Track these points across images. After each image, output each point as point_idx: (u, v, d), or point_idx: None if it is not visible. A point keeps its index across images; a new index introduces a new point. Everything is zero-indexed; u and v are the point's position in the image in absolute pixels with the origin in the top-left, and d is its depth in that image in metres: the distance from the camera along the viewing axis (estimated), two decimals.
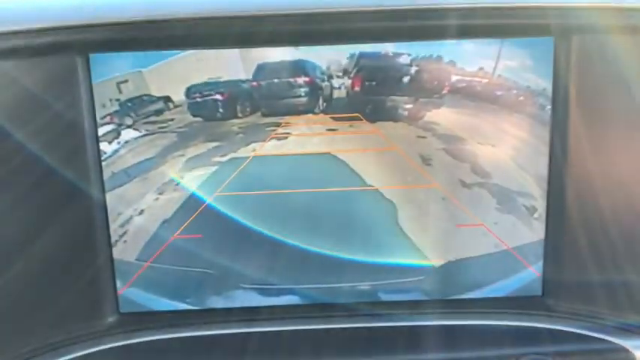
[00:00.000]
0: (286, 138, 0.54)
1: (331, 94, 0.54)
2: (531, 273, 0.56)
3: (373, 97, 0.54)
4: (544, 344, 0.52)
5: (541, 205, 0.55)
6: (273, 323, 0.55)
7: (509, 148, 0.54)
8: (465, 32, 0.51)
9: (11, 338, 0.53)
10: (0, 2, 0.50)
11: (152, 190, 0.55)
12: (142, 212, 0.55)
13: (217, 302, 0.57)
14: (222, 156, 0.54)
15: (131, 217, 0.55)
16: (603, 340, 0.52)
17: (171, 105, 0.54)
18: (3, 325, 0.53)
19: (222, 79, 0.53)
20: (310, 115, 0.54)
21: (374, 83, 0.54)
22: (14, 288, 0.53)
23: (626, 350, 0.51)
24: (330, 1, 0.49)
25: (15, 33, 0.48)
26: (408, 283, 0.57)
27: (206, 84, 0.53)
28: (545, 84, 0.53)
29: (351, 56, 0.53)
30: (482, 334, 0.54)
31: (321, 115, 0.54)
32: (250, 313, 0.56)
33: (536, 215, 0.55)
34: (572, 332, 0.53)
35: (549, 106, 0.53)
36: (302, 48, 0.52)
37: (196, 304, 0.57)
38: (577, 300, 0.55)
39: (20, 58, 0.49)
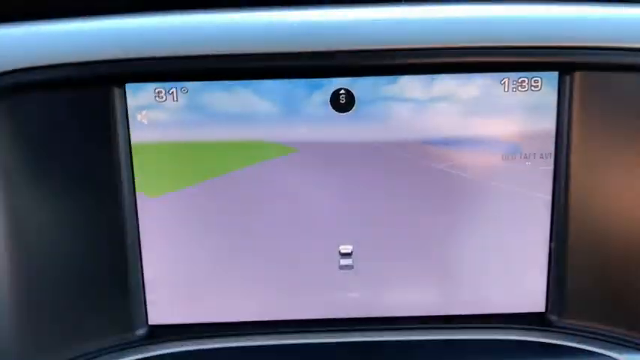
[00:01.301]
0: None
1: None
2: (535, 290, 0.61)
3: None
4: (544, 358, 0.56)
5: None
6: (302, 336, 0.58)
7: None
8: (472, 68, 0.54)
9: (44, 350, 0.56)
10: (37, 35, 0.52)
11: None
12: None
13: (246, 315, 0.61)
14: None
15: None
16: (602, 354, 0.56)
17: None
18: (37, 336, 0.56)
19: None
20: None
21: None
22: (50, 300, 0.56)
23: None
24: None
25: (54, 66, 0.51)
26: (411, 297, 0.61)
27: None
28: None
29: None
30: (484, 349, 0.58)
31: None
32: (277, 326, 0.60)
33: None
34: (572, 347, 0.57)
35: None
36: None
37: (225, 317, 0.61)
38: (578, 317, 0.59)
39: (58, 89, 0.52)
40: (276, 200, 0.59)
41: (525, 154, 0.58)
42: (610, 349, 0.57)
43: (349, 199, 0.59)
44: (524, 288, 0.60)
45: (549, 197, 0.58)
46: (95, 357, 0.57)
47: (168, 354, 0.57)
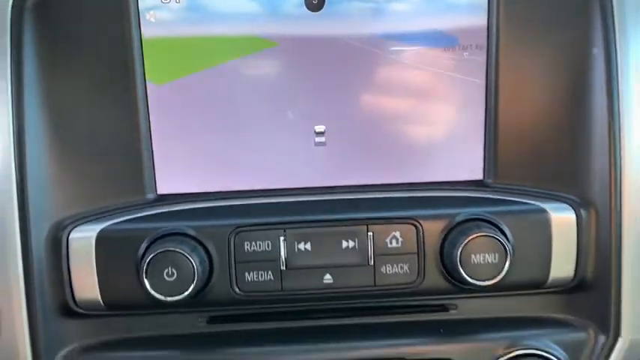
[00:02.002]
0: None
1: None
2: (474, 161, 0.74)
3: None
4: (479, 207, 0.69)
5: None
6: (284, 198, 0.71)
7: None
8: None
9: (72, 204, 0.69)
10: None
11: None
12: None
13: (240, 184, 0.73)
14: None
15: None
16: (527, 203, 0.70)
17: None
18: (67, 193, 0.68)
19: None
20: None
21: None
22: (80, 169, 0.69)
23: (544, 211, 0.69)
24: None
25: None
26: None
27: None
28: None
29: None
30: (434, 202, 0.70)
31: None
32: (267, 192, 0.72)
33: None
34: (503, 199, 0.70)
35: None
36: None
37: (222, 187, 0.73)
38: (511, 179, 0.72)
39: None
40: (262, 87, 0.72)
41: (463, 46, 0.72)
42: (538, 200, 0.70)
43: (322, 87, 0.72)
44: (465, 159, 0.74)
45: (483, 82, 0.72)
46: (113, 212, 0.69)
47: (175, 210, 0.70)
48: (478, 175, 0.74)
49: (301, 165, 0.74)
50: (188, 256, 0.64)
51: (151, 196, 0.72)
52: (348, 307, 0.73)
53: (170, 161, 0.73)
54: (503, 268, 0.66)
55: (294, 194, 0.72)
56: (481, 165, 0.74)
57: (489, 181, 0.73)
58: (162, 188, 0.73)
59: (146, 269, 0.64)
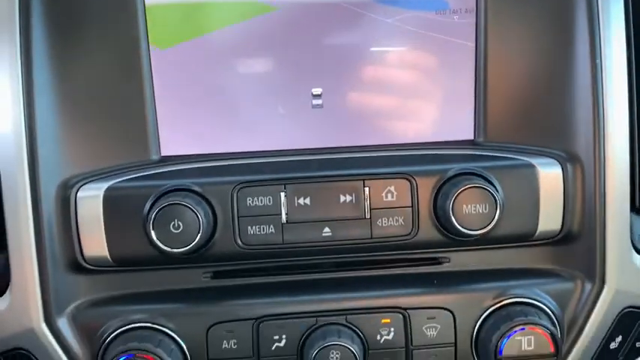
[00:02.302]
0: None
1: None
2: (465, 121, 0.77)
3: None
4: (470, 162, 0.72)
5: None
6: (283, 158, 0.74)
7: None
8: None
9: (79, 162, 0.71)
10: None
11: None
12: None
13: (240, 146, 0.76)
14: None
15: None
16: (515, 158, 0.73)
17: None
18: (76, 151, 0.71)
19: None
20: None
21: None
22: (85, 130, 0.72)
23: (532, 165, 0.72)
24: None
25: None
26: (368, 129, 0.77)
27: None
28: None
29: None
30: (428, 159, 0.74)
31: None
32: (265, 153, 0.75)
33: None
34: (493, 156, 0.74)
35: None
36: None
37: (223, 149, 0.75)
38: (500, 138, 0.75)
39: None
40: (262, 51, 0.75)
41: (453, 10, 0.75)
42: (526, 156, 0.73)
43: (320, 50, 0.75)
44: (457, 120, 0.77)
45: (473, 44, 0.75)
46: (119, 172, 0.72)
47: (179, 170, 0.73)
48: (469, 134, 0.78)
49: (299, 127, 0.77)
50: (193, 208, 0.67)
51: (155, 157, 0.75)
52: (346, 261, 0.76)
53: (173, 124, 0.76)
54: (493, 217, 0.69)
55: (293, 155, 0.76)
56: (472, 125, 0.77)
57: (480, 139, 0.77)
58: (166, 150, 0.76)
59: (153, 222, 0.67)
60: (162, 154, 0.75)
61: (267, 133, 0.77)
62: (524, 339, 0.70)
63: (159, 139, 0.75)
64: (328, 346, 0.69)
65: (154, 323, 0.71)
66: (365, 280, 0.76)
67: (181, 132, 0.76)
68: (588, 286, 0.74)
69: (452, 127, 0.78)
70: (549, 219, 0.73)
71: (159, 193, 0.70)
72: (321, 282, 0.76)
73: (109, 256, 0.71)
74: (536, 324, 0.70)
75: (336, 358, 0.69)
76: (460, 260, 0.76)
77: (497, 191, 0.70)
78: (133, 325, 0.71)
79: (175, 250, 0.68)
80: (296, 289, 0.75)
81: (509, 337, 0.69)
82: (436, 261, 0.77)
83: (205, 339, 0.71)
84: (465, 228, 0.69)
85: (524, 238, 0.74)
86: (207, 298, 0.74)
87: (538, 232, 0.73)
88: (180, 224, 0.68)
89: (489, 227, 0.69)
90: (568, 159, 0.73)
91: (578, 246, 0.74)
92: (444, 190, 0.70)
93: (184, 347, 0.71)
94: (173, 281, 0.75)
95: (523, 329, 0.70)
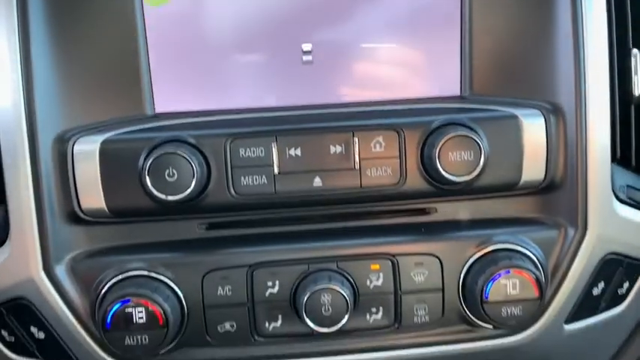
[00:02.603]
0: None
1: None
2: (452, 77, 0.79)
3: None
4: (456, 114, 0.74)
5: None
6: (272, 113, 0.76)
7: None
8: None
9: (77, 116, 0.73)
10: None
11: None
12: None
13: (233, 103, 0.78)
14: None
15: None
16: (500, 110, 0.75)
17: None
18: (72, 105, 0.73)
19: None
20: None
21: None
22: (82, 85, 0.74)
23: (515, 116, 0.74)
24: None
25: None
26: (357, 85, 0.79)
27: None
28: None
29: None
30: (416, 113, 0.76)
31: None
32: (257, 109, 0.77)
33: None
34: (478, 108, 0.76)
35: None
36: None
37: (216, 105, 0.78)
38: (486, 92, 0.78)
39: None
40: (252, 7, 0.76)
41: None
42: (510, 108, 0.75)
43: (309, 6, 0.77)
44: (443, 76, 0.79)
45: (459, 0, 0.78)
46: (114, 126, 0.73)
47: (173, 124, 0.75)
48: (456, 90, 0.80)
49: (290, 83, 0.79)
50: (187, 157, 0.69)
51: (149, 112, 0.77)
52: (337, 212, 0.79)
53: (167, 80, 0.77)
54: (478, 164, 0.71)
55: (284, 111, 0.78)
56: (458, 80, 0.80)
57: (466, 94, 0.79)
58: (160, 106, 0.78)
59: (148, 170, 0.69)
60: (157, 111, 0.78)
61: (259, 90, 0.79)
62: (509, 282, 0.73)
63: (153, 95, 0.77)
64: (319, 290, 0.71)
65: (150, 271, 0.73)
66: (355, 229, 0.78)
67: (175, 89, 0.78)
68: (571, 232, 0.76)
69: (439, 82, 0.80)
70: (533, 169, 0.75)
71: (154, 145, 0.71)
72: (313, 232, 0.78)
73: (105, 208, 0.73)
74: (520, 267, 0.72)
75: (327, 301, 0.71)
76: (447, 210, 0.79)
77: (481, 139, 0.72)
78: (129, 274, 0.73)
79: (170, 199, 0.70)
80: (288, 238, 0.77)
81: (494, 280, 0.72)
82: (424, 211, 0.79)
83: (201, 286, 0.74)
84: (450, 174, 0.71)
85: (509, 188, 0.76)
86: (202, 247, 0.76)
87: (522, 181, 0.76)
88: (175, 172, 0.70)
89: (474, 174, 0.72)
90: (551, 110, 0.75)
91: (561, 194, 0.77)
92: (430, 140, 0.73)
93: (180, 294, 0.73)
94: (169, 232, 0.77)
95: (508, 272, 0.72)
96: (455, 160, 0.71)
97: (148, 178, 0.69)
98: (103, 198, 0.73)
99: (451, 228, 0.78)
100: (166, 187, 0.69)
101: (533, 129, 0.75)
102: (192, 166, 0.69)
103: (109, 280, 0.73)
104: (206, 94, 0.78)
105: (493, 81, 0.78)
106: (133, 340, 0.71)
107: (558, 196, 0.77)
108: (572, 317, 0.79)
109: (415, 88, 0.80)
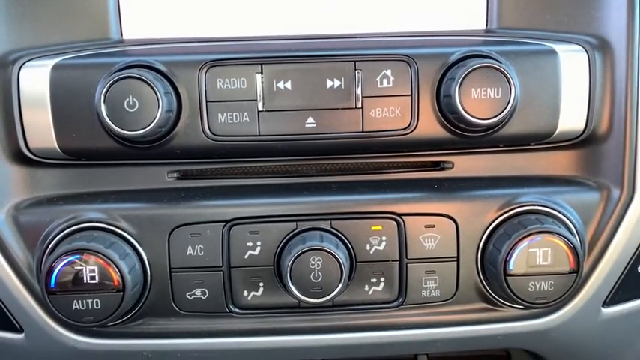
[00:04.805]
0: None
1: None
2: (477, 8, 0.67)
3: None
4: (483, 46, 0.62)
5: None
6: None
7: None
8: None
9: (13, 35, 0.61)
10: None
11: None
12: None
13: (210, 32, 0.66)
14: None
15: None
16: (534, 43, 0.62)
17: None
18: (11, 20, 0.61)
19: None
20: None
21: None
22: None
23: (553, 52, 0.62)
24: None
25: None
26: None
27: None
28: None
29: None
30: (430, 41, 0.64)
31: None
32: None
33: None
34: (507, 41, 0.63)
35: None
36: None
37: (191, 34, 0.65)
38: (516, 24, 0.65)
39: None
40: None
41: None
42: (547, 42, 0.63)
43: None
44: (466, 7, 0.66)
45: None
46: (71, 49, 0.61)
47: (140, 49, 0.62)
48: (481, 23, 0.67)
49: (280, 9, 0.66)
50: (151, 83, 0.57)
51: (115, 37, 0.65)
52: (333, 166, 0.66)
53: (138, 2, 0.66)
54: (507, 104, 0.58)
55: (273, 40, 0.65)
56: (484, 11, 0.66)
57: (493, 27, 0.66)
58: (128, 32, 0.66)
59: (104, 97, 0.57)
60: (124, 37, 0.65)
61: (244, 17, 0.66)
62: (539, 251, 0.60)
63: (120, 17, 0.65)
64: (308, 250, 0.59)
65: (106, 223, 0.61)
66: (355, 184, 0.66)
67: (146, 12, 0.66)
68: (615, 195, 0.63)
69: (461, 13, 0.67)
70: (571, 116, 0.62)
71: (115, 69, 0.59)
72: (304, 185, 0.65)
73: (57, 147, 0.61)
74: (553, 233, 0.59)
75: (317, 265, 0.59)
76: (466, 166, 0.66)
77: (512, 74, 0.59)
78: (82, 226, 0.61)
79: (128, 134, 0.57)
80: (274, 191, 0.65)
81: (520, 247, 0.59)
82: (438, 166, 0.67)
83: (167, 244, 0.61)
84: (473, 116, 0.58)
85: (542, 138, 0.63)
86: (171, 199, 0.63)
87: (558, 130, 0.63)
88: (136, 102, 0.57)
89: (502, 116, 0.59)
90: (596, 46, 0.63)
91: (604, 149, 0.64)
92: (450, 73, 0.60)
93: (142, 253, 0.61)
94: (133, 181, 0.65)
95: (538, 238, 0.59)
96: (479, 98, 0.58)
97: (103, 108, 0.57)
98: (54, 134, 0.61)
99: (470, 186, 0.65)
100: (125, 119, 0.57)
101: (574, 67, 0.62)
102: (156, 94, 0.57)
103: (58, 233, 0.61)
104: (182, 20, 0.66)
105: (526, 11, 0.65)
106: (83, 305, 0.59)
107: (601, 150, 0.64)
108: (612, 299, 0.67)
109: (432, 19, 0.66)
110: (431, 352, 0.72)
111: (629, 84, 0.62)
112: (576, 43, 0.63)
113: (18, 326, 0.65)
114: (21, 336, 0.65)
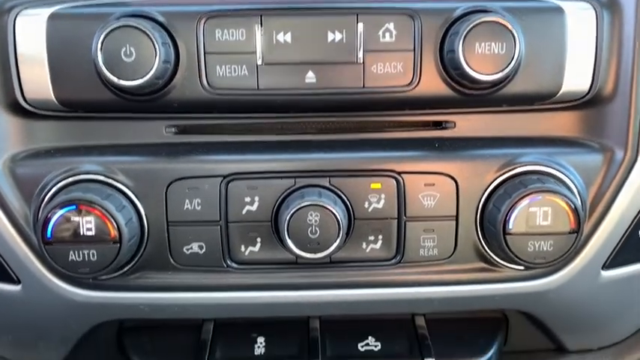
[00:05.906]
0: None
1: None
2: None
3: None
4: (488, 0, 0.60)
5: None
6: None
7: None
8: None
9: None
10: None
11: None
12: None
13: None
14: None
15: None
16: (542, 0, 0.61)
17: None
18: None
19: None
20: None
21: None
22: None
23: (559, 8, 0.60)
24: None
25: None
26: None
27: None
28: None
29: None
30: None
31: None
32: None
33: None
34: None
35: None
36: None
37: None
38: None
39: None
40: None
41: None
42: None
43: None
44: None
45: None
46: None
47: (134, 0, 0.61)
48: None
49: None
50: (149, 32, 0.56)
51: None
52: (333, 123, 0.65)
53: None
54: (511, 60, 0.57)
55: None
56: None
57: None
58: None
59: (101, 45, 0.56)
60: None
61: None
62: (539, 211, 0.59)
63: None
64: (306, 206, 0.58)
65: (103, 175, 0.61)
66: (354, 142, 0.65)
67: None
68: (619, 156, 0.62)
69: None
70: (576, 75, 0.61)
71: (112, 19, 0.58)
72: (303, 142, 0.65)
73: (54, 98, 0.61)
74: (554, 192, 0.59)
75: (315, 221, 0.59)
76: (468, 125, 0.65)
77: (517, 30, 0.58)
78: (79, 177, 0.60)
79: (126, 83, 0.56)
80: (273, 147, 0.64)
81: (520, 206, 0.59)
82: (440, 125, 0.66)
83: (164, 197, 0.61)
84: (477, 72, 0.57)
85: (546, 97, 0.62)
86: (169, 153, 0.63)
87: (562, 90, 0.61)
88: (133, 51, 0.56)
89: (506, 72, 0.57)
90: (604, 3, 0.61)
91: (609, 110, 0.63)
92: (453, 28, 0.58)
93: (139, 206, 0.61)
94: (131, 134, 0.64)
95: (539, 198, 0.59)
96: (483, 53, 0.56)
97: (100, 57, 0.56)
98: (50, 85, 0.60)
99: (471, 145, 0.64)
100: (122, 68, 0.56)
101: (581, 25, 0.60)
102: (154, 44, 0.56)
103: (55, 184, 0.60)
104: None
105: None
106: (79, 256, 0.58)
107: (606, 111, 0.63)
108: (612, 262, 0.66)
109: None
110: (428, 313, 0.72)
111: (637, 44, 0.60)
112: (584, 0, 0.61)
113: (15, 278, 0.65)
114: (18, 287, 0.65)
